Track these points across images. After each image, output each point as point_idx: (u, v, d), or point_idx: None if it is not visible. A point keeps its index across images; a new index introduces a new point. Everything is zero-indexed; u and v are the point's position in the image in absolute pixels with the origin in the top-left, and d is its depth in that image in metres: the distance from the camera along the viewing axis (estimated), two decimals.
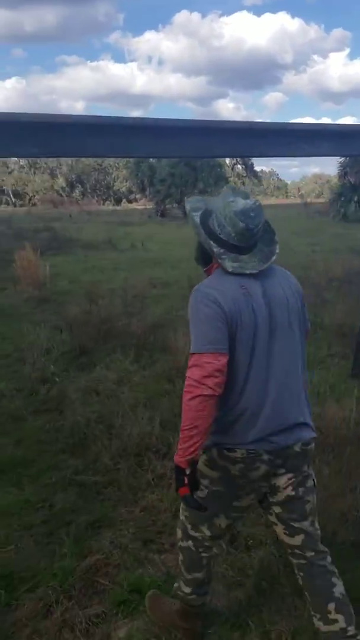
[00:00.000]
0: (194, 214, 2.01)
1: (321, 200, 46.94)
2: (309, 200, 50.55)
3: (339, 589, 2.03)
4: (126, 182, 58.30)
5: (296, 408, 1.97)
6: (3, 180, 65.20)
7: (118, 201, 60.87)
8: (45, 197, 60.15)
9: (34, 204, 58.75)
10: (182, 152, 3.05)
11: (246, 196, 1.97)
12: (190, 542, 2.15)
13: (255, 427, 1.89)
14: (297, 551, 2.07)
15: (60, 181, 66.41)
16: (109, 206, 53.77)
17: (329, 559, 2.07)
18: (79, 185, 66.49)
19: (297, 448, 1.95)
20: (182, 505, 2.14)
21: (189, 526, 2.15)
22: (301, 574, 2.09)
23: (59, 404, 4.64)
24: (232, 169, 44.48)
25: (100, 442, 3.87)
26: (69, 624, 2.30)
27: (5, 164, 60.89)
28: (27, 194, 65.39)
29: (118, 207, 50.95)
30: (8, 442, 3.99)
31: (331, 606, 2.00)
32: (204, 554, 2.16)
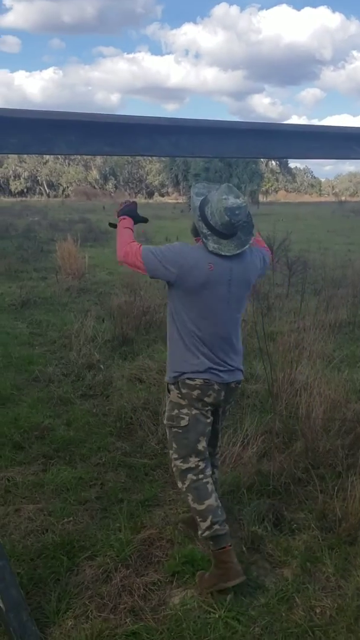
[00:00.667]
0: (196, 197, 2.53)
1: (356, 198, 46.39)
2: (343, 198, 49.97)
3: (215, 475, 2.77)
4: (159, 175, 58.43)
5: (236, 357, 2.63)
6: (38, 170, 66.01)
7: (150, 194, 61.11)
8: (79, 188, 60.72)
9: (67, 195, 59.39)
10: (244, 152, 3.20)
11: (237, 196, 2.44)
12: (189, 476, 2.60)
13: (209, 365, 2.53)
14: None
15: (94, 173, 66.89)
16: (140, 199, 54.05)
17: (217, 456, 2.90)
18: (112, 178, 66.88)
19: (232, 385, 2.65)
20: (170, 446, 2.69)
21: (179, 463, 2.63)
22: None
23: (105, 389, 4.84)
24: (267, 165, 44.22)
25: (147, 427, 4.05)
26: (128, 589, 2.48)
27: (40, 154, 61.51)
28: (61, 185, 66.09)
29: (150, 201, 51.17)
30: (59, 423, 4.20)
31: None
32: (204, 480, 2.59)
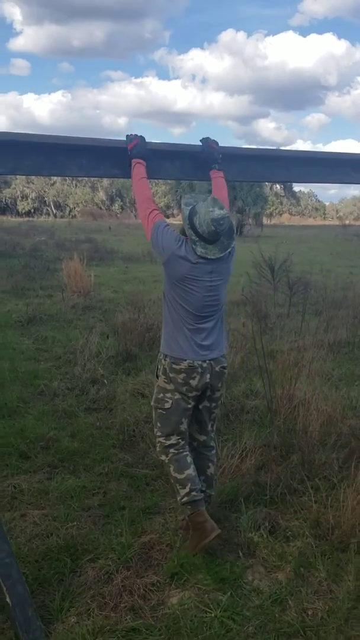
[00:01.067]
0: (186, 207, 2.82)
1: None
2: (347, 222, 50.38)
3: (211, 470, 3.10)
4: (165, 197, 59.15)
5: (219, 345, 2.96)
6: (46, 191, 66.82)
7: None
8: (86, 209, 61.40)
9: (74, 216, 60.06)
10: (245, 176, 3.41)
11: (221, 207, 2.74)
12: (171, 450, 2.95)
13: (194, 350, 2.86)
14: (200, 444, 3.11)
15: (101, 195, 67.70)
16: None
17: (213, 452, 3.15)
18: (119, 199, 67.66)
19: (217, 369, 2.94)
20: (155, 425, 3.03)
21: (163, 440, 2.97)
22: (194, 454, 3.04)
23: (109, 403, 4.98)
24: (271, 188, 44.73)
25: (149, 439, 4.16)
26: (128, 589, 2.59)
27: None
28: (68, 205, 66.85)
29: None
30: (64, 434, 4.33)
31: (202, 478, 3.02)
32: (184, 453, 2.94)
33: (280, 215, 68.11)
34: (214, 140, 3.05)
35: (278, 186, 56.32)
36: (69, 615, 2.46)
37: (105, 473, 3.78)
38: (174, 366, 2.89)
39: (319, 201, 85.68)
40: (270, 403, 4.42)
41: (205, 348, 2.89)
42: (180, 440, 2.97)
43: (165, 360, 2.95)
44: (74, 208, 65.08)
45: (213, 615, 2.44)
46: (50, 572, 2.73)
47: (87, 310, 9.14)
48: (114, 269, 15.15)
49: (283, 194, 64.60)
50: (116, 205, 65.81)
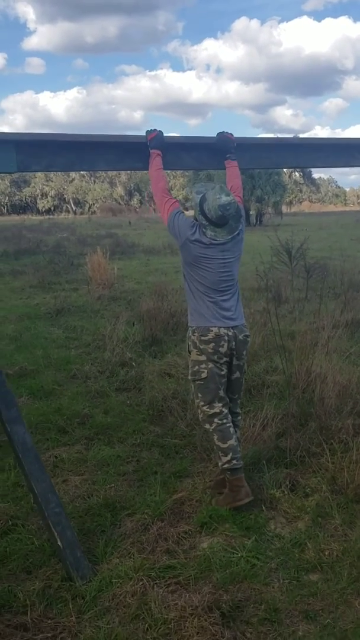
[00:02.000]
0: (197, 195, 3.16)
1: None
2: None
3: (237, 434, 3.33)
4: (183, 190, 59.26)
5: (239, 315, 3.30)
6: (64, 189, 67.51)
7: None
8: (105, 205, 61.91)
9: (94, 212, 60.61)
10: (257, 164, 3.69)
11: (227, 194, 3.07)
12: (215, 419, 3.22)
13: (218, 318, 3.18)
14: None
15: (119, 190, 68.09)
16: None
17: (239, 417, 3.48)
18: (137, 194, 67.99)
19: (241, 337, 3.27)
20: (196, 397, 3.31)
21: (206, 409, 3.24)
22: None
23: (137, 383, 5.30)
24: (290, 176, 44.59)
25: (177, 413, 4.48)
26: (163, 537, 2.91)
27: (67, 173, 63.04)
28: (87, 202, 67.47)
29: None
30: (98, 411, 4.67)
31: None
32: (227, 424, 3.23)
33: (300, 203, 67.74)
34: (230, 132, 3.34)
35: (297, 174, 56.01)
36: (112, 557, 2.78)
37: (138, 444, 4.11)
38: (202, 338, 3.19)
39: (339, 187, 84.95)
40: (289, 377, 4.70)
41: (227, 317, 3.21)
42: (222, 408, 3.23)
43: (194, 335, 3.24)
44: (93, 204, 65.67)
45: (239, 555, 2.74)
46: (93, 525, 3.07)
47: (113, 300, 9.48)
48: (136, 262, 15.49)
49: (302, 182, 64.24)
50: (135, 199, 66.19)
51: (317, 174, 67.25)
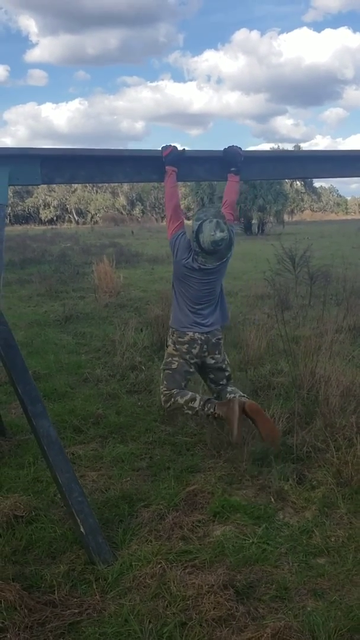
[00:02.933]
0: (195, 222, 3.53)
1: None
2: None
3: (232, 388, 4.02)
4: (185, 199, 59.68)
5: (215, 321, 3.87)
6: (67, 199, 67.97)
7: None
8: (107, 215, 62.34)
9: (96, 222, 61.00)
10: (266, 175, 3.90)
11: (222, 230, 3.46)
12: (173, 392, 3.83)
13: (195, 326, 3.77)
14: (218, 392, 4.01)
15: (121, 200, 68.50)
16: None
17: (238, 392, 3.97)
18: (139, 203, 68.40)
19: (214, 340, 3.88)
20: (162, 383, 3.93)
21: (167, 392, 3.85)
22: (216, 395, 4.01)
23: (148, 386, 5.49)
24: (291, 185, 44.92)
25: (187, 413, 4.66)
26: (179, 525, 3.09)
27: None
28: (90, 212, 67.89)
29: None
30: (111, 412, 4.86)
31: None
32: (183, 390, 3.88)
33: (302, 211, 68.11)
34: (238, 146, 3.56)
35: (298, 183, 56.32)
36: (131, 544, 2.96)
37: (150, 442, 4.29)
38: (179, 339, 3.83)
39: (340, 196, 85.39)
40: (295, 379, 4.89)
41: (203, 324, 3.80)
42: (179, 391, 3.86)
43: (173, 335, 3.89)
44: (96, 214, 66.07)
45: (251, 541, 2.92)
46: (111, 515, 3.25)
47: (120, 308, 9.69)
48: (141, 271, 15.71)
49: (304, 191, 64.61)
50: (137, 209, 66.58)
51: (319, 182, 67.65)
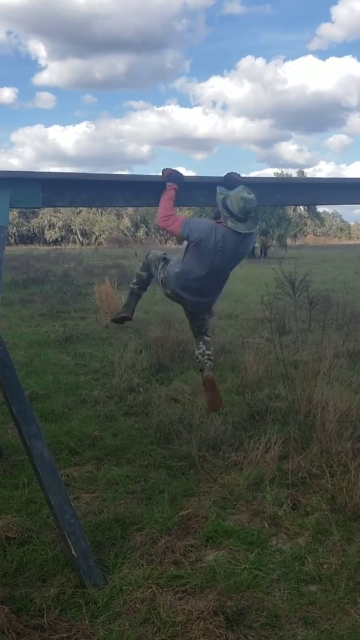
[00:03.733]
0: (219, 194, 3.47)
1: None
2: None
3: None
4: None
5: (216, 293, 3.94)
6: (72, 220, 68.50)
7: (180, 240, 62.59)
8: (111, 236, 62.72)
9: (100, 243, 61.37)
10: (263, 201, 3.96)
11: (250, 192, 3.40)
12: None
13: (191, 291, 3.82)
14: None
15: (126, 221, 68.99)
16: (171, 245, 55.62)
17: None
18: (143, 225, 68.86)
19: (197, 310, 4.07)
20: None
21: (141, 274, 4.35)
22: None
23: (145, 408, 5.49)
24: (294, 210, 45.28)
25: (183, 436, 4.66)
26: (171, 549, 3.08)
27: None
28: (94, 233, 68.34)
29: (180, 246, 52.66)
30: (107, 434, 4.85)
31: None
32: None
33: (305, 236, 68.47)
34: (237, 172, 3.62)
35: (301, 207, 56.74)
36: (122, 568, 2.95)
37: (145, 465, 4.28)
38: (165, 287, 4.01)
39: (343, 221, 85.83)
40: (292, 404, 4.89)
41: (201, 294, 3.86)
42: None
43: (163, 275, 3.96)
44: (100, 235, 66.51)
45: (243, 567, 2.91)
46: (104, 538, 3.24)
47: (120, 329, 9.69)
48: (143, 292, 15.74)
49: (307, 215, 65.04)
50: (141, 231, 67.01)
51: (322, 207, 68.16)
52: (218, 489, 3.86)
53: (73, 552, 2.83)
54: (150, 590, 2.68)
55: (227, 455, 4.32)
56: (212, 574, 2.84)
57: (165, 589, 2.72)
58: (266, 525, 3.36)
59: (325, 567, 2.93)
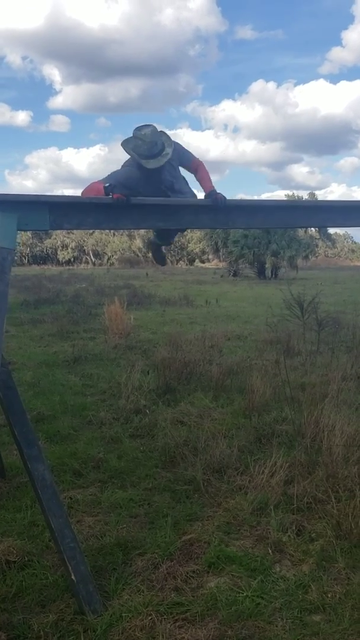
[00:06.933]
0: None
1: None
2: None
3: None
4: (200, 243, 60.31)
5: None
6: (85, 241, 69.10)
7: (191, 261, 62.94)
8: (123, 257, 63.11)
9: (112, 264, 61.77)
10: (270, 223, 3.96)
11: (140, 129, 3.55)
12: None
13: None
14: None
15: (138, 242, 69.41)
16: (182, 266, 55.91)
17: None
18: None
19: None
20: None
21: None
22: None
23: (151, 430, 5.46)
24: (305, 232, 45.35)
25: (189, 459, 4.62)
26: (172, 575, 3.03)
27: None
28: (106, 254, 68.84)
29: (191, 267, 52.99)
30: (112, 456, 4.83)
31: None
32: None
33: (316, 257, 68.41)
34: (222, 193, 3.56)
35: (313, 229, 56.76)
36: (123, 593, 2.91)
37: (150, 488, 4.25)
38: None
39: (355, 243, 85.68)
40: (298, 427, 4.84)
41: None
42: None
43: None
44: (112, 256, 66.96)
45: (245, 594, 2.85)
46: (105, 563, 3.20)
47: (128, 349, 9.71)
48: (152, 312, 15.79)
49: (318, 237, 65.06)
50: None
51: (333, 229, 68.14)
52: (222, 514, 3.81)
53: (73, 577, 2.79)
54: (149, 618, 2.64)
55: (232, 479, 4.28)
56: (214, 602, 2.79)
57: (165, 617, 2.68)
58: (270, 551, 3.30)
59: (329, 595, 2.87)
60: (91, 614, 2.73)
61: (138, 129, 3.56)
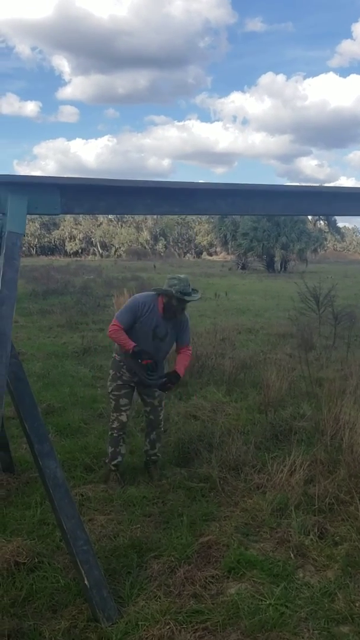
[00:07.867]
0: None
1: None
2: None
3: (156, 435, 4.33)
4: (208, 235, 59.98)
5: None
6: (92, 232, 68.93)
7: (199, 254, 62.68)
8: (131, 249, 62.94)
9: (120, 255, 61.60)
10: (290, 210, 3.76)
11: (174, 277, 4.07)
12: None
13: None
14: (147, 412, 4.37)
15: (145, 234, 69.19)
16: (189, 258, 55.67)
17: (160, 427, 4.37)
18: (162, 238, 68.97)
19: None
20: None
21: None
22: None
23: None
24: (315, 224, 44.96)
25: (203, 456, 4.46)
26: (190, 581, 2.87)
27: (95, 217, 64.56)
28: (114, 245, 68.64)
29: (199, 260, 52.75)
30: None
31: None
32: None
33: (325, 250, 67.91)
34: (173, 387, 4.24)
35: (322, 222, 56.32)
36: (138, 599, 2.75)
37: (163, 485, 4.08)
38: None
39: None
40: (318, 424, 4.66)
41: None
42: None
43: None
44: (119, 248, 66.75)
45: (268, 602, 2.69)
46: (119, 566, 3.04)
47: None
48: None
49: (327, 230, 64.61)
50: (160, 244, 67.09)
51: (342, 222, 67.55)
52: (240, 514, 3.65)
53: (86, 581, 2.63)
54: (168, 627, 2.48)
55: (249, 478, 4.11)
56: (235, 610, 2.63)
57: (184, 626, 2.52)
58: (292, 555, 3.14)
59: (357, 605, 2.70)
60: (105, 621, 2.57)
61: (173, 275, 4.16)
